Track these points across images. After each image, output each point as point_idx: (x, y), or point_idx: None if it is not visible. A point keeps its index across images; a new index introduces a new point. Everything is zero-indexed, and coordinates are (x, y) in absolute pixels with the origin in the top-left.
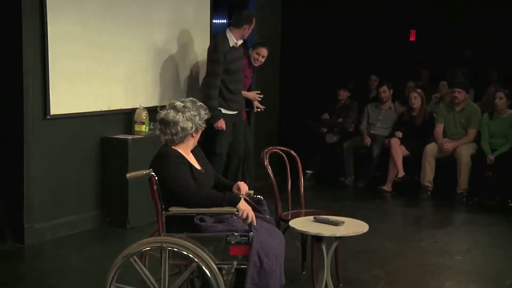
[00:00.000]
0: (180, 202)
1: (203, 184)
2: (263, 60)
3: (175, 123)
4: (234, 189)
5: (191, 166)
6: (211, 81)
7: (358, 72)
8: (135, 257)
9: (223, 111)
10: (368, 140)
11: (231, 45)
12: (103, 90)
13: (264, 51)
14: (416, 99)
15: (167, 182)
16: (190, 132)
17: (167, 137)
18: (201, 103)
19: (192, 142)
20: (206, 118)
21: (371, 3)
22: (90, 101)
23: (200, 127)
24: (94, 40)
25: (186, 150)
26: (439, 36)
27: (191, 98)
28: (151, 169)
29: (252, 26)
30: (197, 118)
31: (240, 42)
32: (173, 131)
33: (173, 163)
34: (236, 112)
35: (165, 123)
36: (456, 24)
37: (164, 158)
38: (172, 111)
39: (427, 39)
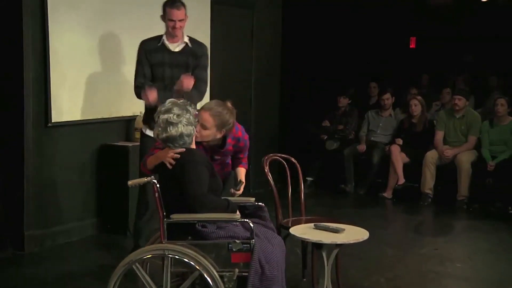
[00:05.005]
0: (186, 205)
1: (219, 186)
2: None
3: (181, 135)
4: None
5: (211, 166)
6: (134, 82)
7: (359, 79)
8: (137, 264)
9: (147, 132)
10: (362, 147)
11: (159, 44)
12: (103, 97)
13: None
14: (416, 106)
15: (183, 182)
16: (193, 133)
17: (178, 147)
18: (183, 100)
19: (194, 137)
20: (196, 112)
21: (372, 11)
22: (90, 109)
23: (196, 123)
24: (94, 48)
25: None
26: (439, 43)
27: (171, 102)
28: (152, 176)
29: (170, 17)
30: (191, 117)
31: (179, 44)
32: (181, 142)
33: (198, 163)
34: None
35: (173, 140)
36: (456, 31)
37: (191, 160)
38: (171, 127)
39: (427, 46)
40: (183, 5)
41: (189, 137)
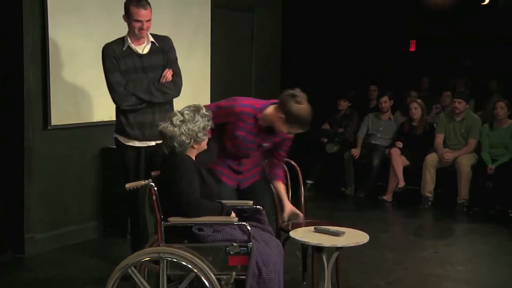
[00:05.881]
0: (180, 210)
1: (212, 191)
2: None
3: (172, 137)
4: None
5: (201, 172)
6: (112, 94)
7: (359, 82)
8: (133, 268)
9: (121, 139)
10: (356, 152)
11: (124, 48)
12: (103, 100)
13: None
14: (416, 110)
15: (175, 188)
16: (188, 145)
17: (169, 149)
18: (205, 112)
19: (195, 152)
20: (209, 128)
21: (372, 14)
22: (90, 112)
23: (201, 139)
24: (95, 51)
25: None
26: (439, 46)
27: (194, 106)
28: (150, 179)
29: (136, 17)
30: (196, 130)
31: (145, 45)
32: (170, 144)
33: (187, 169)
34: (145, 144)
35: (163, 137)
36: (456, 34)
37: (180, 165)
38: (169, 124)
39: (427, 49)
40: (149, 4)
41: (180, 146)
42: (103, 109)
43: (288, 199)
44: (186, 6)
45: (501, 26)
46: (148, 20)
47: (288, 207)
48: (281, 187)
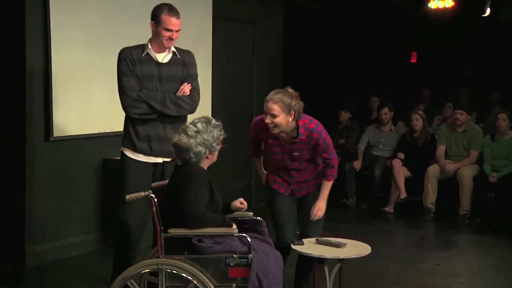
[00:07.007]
0: (185, 221)
1: (219, 206)
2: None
3: (188, 149)
4: (236, 205)
5: (212, 186)
6: (123, 99)
7: (360, 94)
8: (132, 280)
9: (127, 153)
10: (357, 164)
11: (143, 54)
12: (105, 111)
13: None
14: (417, 121)
15: (182, 197)
16: (204, 156)
17: (183, 161)
18: (216, 123)
19: (207, 163)
20: (222, 138)
21: (373, 26)
22: (92, 123)
23: (215, 149)
24: (96, 63)
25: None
26: (440, 57)
27: (205, 118)
28: (150, 191)
29: (167, 26)
30: (211, 140)
31: (166, 54)
32: (186, 156)
33: (198, 180)
34: (152, 160)
35: (178, 150)
36: (457, 46)
37: (193, 175)
38: (184, 136)
39: (428, 61)
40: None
41: (196, 156)
42: (105, 120)
43: None
44: (188, 17)
45: (502, 37)
46: (178, 31)
47: (318, 203)
48: (324, 184)
